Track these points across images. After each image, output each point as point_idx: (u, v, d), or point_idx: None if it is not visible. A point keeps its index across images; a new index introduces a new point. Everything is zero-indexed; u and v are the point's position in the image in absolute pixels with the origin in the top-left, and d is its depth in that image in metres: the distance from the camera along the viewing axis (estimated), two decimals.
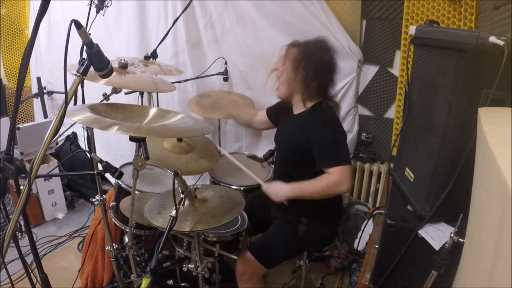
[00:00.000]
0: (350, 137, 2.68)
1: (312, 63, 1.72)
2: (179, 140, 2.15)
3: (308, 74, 1.72)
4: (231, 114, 2.43)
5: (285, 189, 1.73)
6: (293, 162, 1.83)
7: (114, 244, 1.91)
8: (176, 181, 1.36)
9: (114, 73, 1.33)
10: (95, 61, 1.19)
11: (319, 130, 1.71)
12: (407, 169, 1.48)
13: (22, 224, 1.27)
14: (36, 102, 3.80)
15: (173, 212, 1.34)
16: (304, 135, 1.73)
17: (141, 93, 2.46)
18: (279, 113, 2.04)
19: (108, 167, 1.52)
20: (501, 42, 0.98)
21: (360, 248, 2.29)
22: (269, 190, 1.77)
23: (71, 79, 1.16)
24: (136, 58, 2.45)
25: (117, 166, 1.57)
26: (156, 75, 2.29)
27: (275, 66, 1.86)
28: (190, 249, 1.76)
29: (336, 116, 1.81)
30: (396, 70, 2.46)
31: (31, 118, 3.95)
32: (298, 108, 1.85)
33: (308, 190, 1.69)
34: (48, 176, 3.04)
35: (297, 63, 1.74)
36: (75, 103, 1.94)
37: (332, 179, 1.65)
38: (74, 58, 2.08)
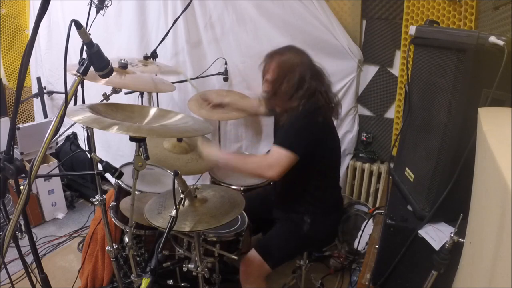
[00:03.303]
0: (350, 137, 2.68)
1: (295, 71, 1.70)
2: (179, 140, 2.15)
3: (294, 82, 1.70)
4: (237, 109, 2.39)
5: (218, 154, 1.72)
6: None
7: (114, 244, 1.91)
8: (176, 181, 1.36)
9: (114, 73, 1.33)
10: (95, 61, 1.19)
11: (292, 119, 1.68)
12: (407, 169, 1.48)
13: (22, 224, 1.27)
14: (36, 102, 3.80)
15: (173, 212, 1.34)
16: None
17: (141, 93, 2.46)
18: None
19: (108, 167, 1.51)
20: (501, 42, 0.98)
21: (360, 248, 2.29)
22: (204, 150, 1.76)
23: (71, 79, 1.16)
24: (135, 58, 2.45)
25: (117, 166, 1.57)
26: (156, 74, 2.29)
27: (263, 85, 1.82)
28: (190, 249, 1.76)
29: (314, 110, 1.69)
30: (396, 70, 2.46)
31: (31, 118, 3.95)
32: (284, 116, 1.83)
33: (239, 163, 1.69)
34: (48, 176, 3.04)
35: (280, 74, 1.72)
36: (75, 103, 1.94)
37: (265, 160, 1.63)
38: (74, 58, 2.08)
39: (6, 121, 3.20)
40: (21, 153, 2.95)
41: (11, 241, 1.18)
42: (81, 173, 3.66)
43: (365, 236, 2.14)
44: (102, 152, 3.29)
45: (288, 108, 1.74)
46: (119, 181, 1.92)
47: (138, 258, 2.14)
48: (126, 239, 1.74)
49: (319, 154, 1.71)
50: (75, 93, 1.61)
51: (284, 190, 1.87)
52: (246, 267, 1.83)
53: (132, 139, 1.39)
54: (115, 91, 1.88)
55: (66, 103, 1.11)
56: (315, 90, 1.71)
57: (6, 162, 1.07)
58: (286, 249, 1.86)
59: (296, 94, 1.70)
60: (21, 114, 3.89)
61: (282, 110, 1.80)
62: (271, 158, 1.62)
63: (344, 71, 2.54)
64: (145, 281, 1.17)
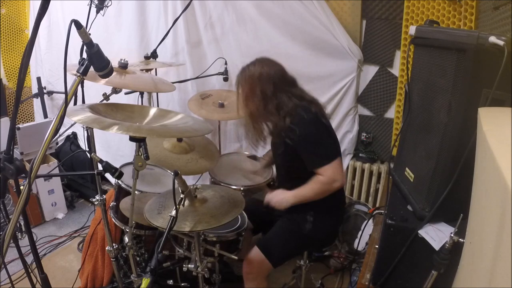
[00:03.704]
0: (350, 137, 2.68)
1: (260, 83, 1.73)
2: (179, 140, 2.15)
3: (263, 96, 1.73)
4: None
5: (288, 197, 1.76)
6: (290, 165, 1.85)
7: (114, 244, 1.91)
8: (176, 181, 1.36)
9: (114, 73, 1.33)
10: (95, 61, 1.19)
11: (301, 134, 1.68)
12: (407, 169, 1.48)
13: (22, 224, 1.27)
14: (36, 102, 3.80)
15: (173, 212, 1.34)
16: (284, 142, 1.74)
17: (141, 93, 2.46)
18: None
19: (108, 167, 1.51)
20: (501, 42, 0.98)
21: (360, 248, 2.29)
22: (273, 200, 1.79)
23: (71, 79, 1.16)
24: (136, 61, 2.45)
25: (117, 166, 1.57)
26: (156, 73, 2.29)
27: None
28: (190, 249, 1.76)
29: (313, 112, 1.71)
30: (396, 70, 2.46)
31: (31, 118, 3.95)
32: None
33: (308, 194, 1.73)
34: (48, 176, 3.04)
35: (249, 92, 1.77)
36: (75, 103, 1.94)
37: (323, 180, 1.67)
38: (74, 58, 2.08)
39: (6, 121, 3.20)
40: (21, 153, 2.95)
41: (11, 241, 1.18)
42: (81, 173, 3.66)
43: (365, 236, 2.14)
44: (102, 152, 3.29)
45: (274, 126, 1.78)
46: (119, 181, 1.92)
47: (138, 258, 2.14)
48: (126, 239, 1.74)
49: (335, 146, 1.76)
50: (75, 93, 1.61)
51: (288, 188, 1.86)
52: (248, 265, 1.83)
53: (132, 139, 1.38)
54: (115, 91, 1.88)
55: (66, 103, 1.11)
56: (286, 94, 1.73)
57: (6, 162, 1.07)
58: (288, 247, 1.86)
59: (266, 110, 1.73)
60: (21, 114, 3.89)
61: (269, 131, 1.85)
62: (325, 177, 1.66)
63: (344, 71, 2.54)
64: (145, 281, 1.17)
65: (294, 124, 1.68)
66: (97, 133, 1.72)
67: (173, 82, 2.41)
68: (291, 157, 1.77)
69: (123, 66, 1.89)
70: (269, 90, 1.72)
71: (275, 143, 1.89)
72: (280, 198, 1.79)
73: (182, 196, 1.43)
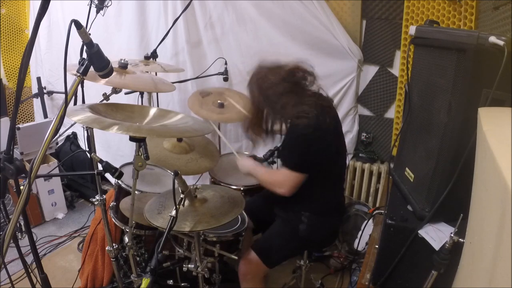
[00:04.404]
0: (350, 137, 2.68)
1: (264, 91, 1.71)
2: (179, 140, 2.15)
3: (268, 102, 1.73)
4: None
5: (248, 165, 1.90)
6: None
7: (114, 244, 1.91)
8: (176, 181, 1.36)
9: (114, 73, 1.33)
10: (95, 61, 1.19)
11: (287, 140, 1.78)
12: (407, 169, 1.48)
13: (22, 224, 1.27)
14: (36, 102, 3.80)
15: (173, 212, 1.34)
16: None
17: (141, 93, 2.46)
18: None
19: (108, 167, 1.51)
20: (501, 42, 0.98)
21: (360, 248, 2.29)
22: (239, 162, 1.95)
23: (71, 79, 1.16)
24: (136, 59, 2.45)
25: (117, 166, 1.57)
26: (156, 74, 2.29)
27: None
28: (190, 249, 1.76)
29: (309, 127, 1.62)
30: (396, 70, 2.46)
31: (31, 118, 3.95)
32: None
33: (259, 177, 1.84)
34: (48, 176, 3.04)
35: (255, 99, 1.78)
36: (75, 103, 1.94)
37: (278, 178, 1.76)
38: (74, 58, 2.08)
39: (6, 121, 3.20)
40: (21, 153, 2.95)
41: (11, 241, 1.18)
42: (81, 173, 3.66)
43: (365, 236, 2.14)
44: (102, 152, 3.29)
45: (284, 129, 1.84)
46: (119, 181, 1.92)
47: (138, 258, 2.14)
48: (126, 239, 1.74)
49: (322, 160, 1.73)
50: (75, 93, 1.61)
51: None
52: (244, 267, 1.83)
53: (132, 139, 1.38)
54: (115, 91, 1.88)
55: (66, 103, 1.11)
56: (291, 105, 1.68)
57: (6, 162, 1.07)
58: (283, 249, 1.86)
59: (275, 110, 1.74)
60: (21, 114, 3.89)
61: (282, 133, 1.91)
62: (280, 177, 1.74)
63: (344, 71, 2.54)
64: (145, 281, 1.17)
65: (288, 131, 1.76)
66: (97, 133, 1.72)
67: (173, 82, 2.41)
68: None
69: (123, 66, 1.89)
70: (277, 94, 1.69)
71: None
72: (244, 162, 1.93)
73: (182, 196, 1.43)
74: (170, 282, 2.01)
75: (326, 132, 1.69)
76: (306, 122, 1.62)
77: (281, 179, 1.71)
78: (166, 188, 1.81)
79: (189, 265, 1.64)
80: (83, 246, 2.46)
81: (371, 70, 2.56)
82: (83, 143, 3.56)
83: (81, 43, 1.15)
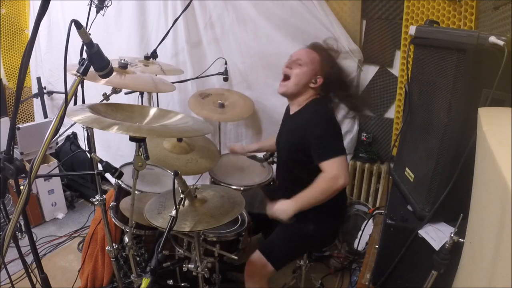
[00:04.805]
0: (350, 137, 2.68)
1: (332, 74, 1.80)
2: (179, 140, 2.15)
3: (327, 82, 1.80)
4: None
5: (290, 205, 1.69)
6: (294, 161, 1.84)
7: (114, 244, 1.91)
8: (176, 181, 1.36)
9: (114, 73, 1.33)
10: (95, 61, 1.19)
11: (315, 128, 1.73)
12: (407, 169, 1.48)
13: (22, 224, 1.27)
14: (36, 102, 3.80)
15: (173, 212, 1.34)
16: (301, 134, 1.75)
17: (141, 93, 2.46)
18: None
19: (108, 167, 1.52)
20: (501, 42, 0.98)
21: (360, 248, 2.29)
22: (276, 212, 1.71)
23: (71, 79, 1.16)
24: (136, 58, 2.45)
25: (117, 166, 1.57)
26: (156, 75, 2.29)
27: (288, 63, 1.86)
28: (190, 249, 1.76)
29: (329, 110, 1.84)
30: (396, 70, 2.46)
31: (31, 118, 3.95)
32: (294, 107, 1.88)
33: (311, 197, 1.68)
34: (48, 176, 3.04)
35: (319, 69, 1.80)
36: (75, 103, 1.94)
37: (327, 176, 1.65)
38: (74, 58, 2.08)
39: (6, 121, 3.20)
40: (21, 153, 2.95)
41: (11, 241, 1.18)
42: (81, 173, 3.66)
43: (365, 236, 2.14)
44: (102, 152, 3.29)
45: (308, 99, 1.84)
46: (119, 181, 1.92)
47: (138, 258, 2.14)
48: (126, 239, 1.74)
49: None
50: (75, 93, 1.61)
51: (290, 188, 1.86)
52: (250, 268, 1.83)
53: (132, 139, 1.38)
54: (115, 91, 1.87)
55: (66, 103, 1.11)
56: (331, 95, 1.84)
57: (6, 162, 1.07)
58: (290, 249, 1.86)
59: (325, 90, 1.83)
60: (21, 114, 3.89)
61: (295, 101, 1.87)
62: (329, 173, 1.65)
63: None
64: (145, 281, 1.17)
65: (315, 115, 1.77)
66: (97, 133, 1.72)
67: (173, 82, 2.41)
68: (297, 149, 1.78)
69: (123, 66, 1.89)
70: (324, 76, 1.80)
71: (288, 134, 1.91)
72: (282, 207, 1.70)
73: (182, 196, 1.43)
74: (170, 282, 2.00)
75: (339, 125, 1.84)
76: (327, 107, 1.83)
77: (333, 172, 1.64)
78: (166, 188, 1.81)
79: (189, 265, 1.64)
80: (83, 246, 2.46)
81: (371, 70, 2.56)
82: (83, 143, 3.56)
83: (81, 43, 1.15)
